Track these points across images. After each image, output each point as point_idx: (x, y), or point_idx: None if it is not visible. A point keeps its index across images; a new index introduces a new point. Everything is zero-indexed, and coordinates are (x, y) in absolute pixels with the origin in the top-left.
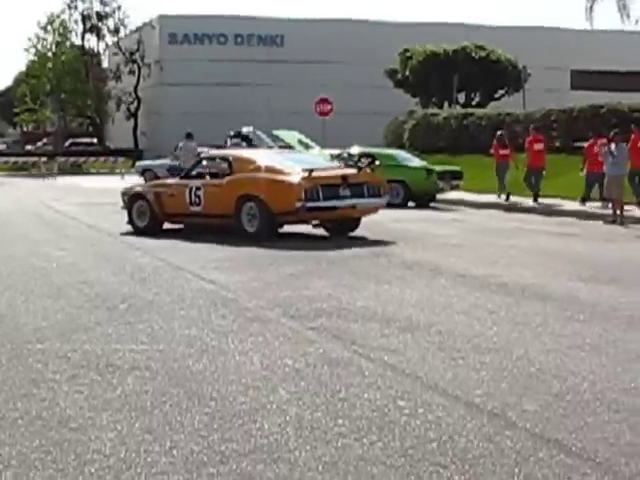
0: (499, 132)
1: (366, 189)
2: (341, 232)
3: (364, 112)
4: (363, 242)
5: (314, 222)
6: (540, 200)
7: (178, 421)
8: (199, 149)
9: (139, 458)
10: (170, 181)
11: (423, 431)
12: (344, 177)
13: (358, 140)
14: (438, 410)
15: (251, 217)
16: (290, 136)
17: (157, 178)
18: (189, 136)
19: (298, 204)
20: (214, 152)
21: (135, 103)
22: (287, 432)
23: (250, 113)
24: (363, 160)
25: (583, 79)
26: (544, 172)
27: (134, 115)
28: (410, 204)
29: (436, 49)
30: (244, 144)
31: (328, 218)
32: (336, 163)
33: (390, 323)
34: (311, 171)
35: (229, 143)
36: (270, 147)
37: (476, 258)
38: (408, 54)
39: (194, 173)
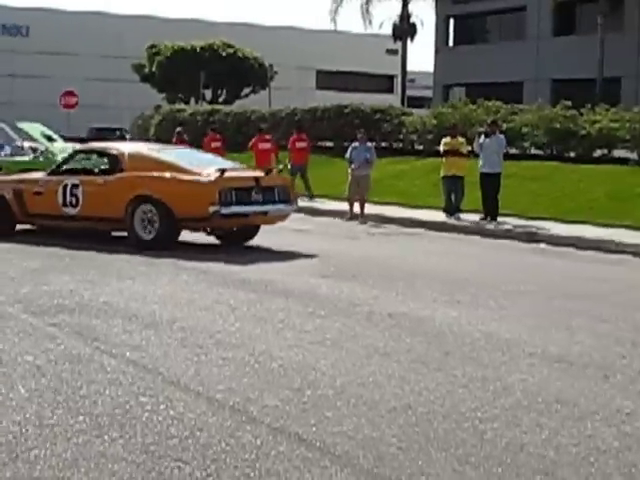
0: (178, 128)
1: (277, 193)
2: (236, 241)
3: (111, 105)
4: (105, 239)
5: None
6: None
7: None
8: None
9: None
10: (36, 176)
11: (165, 427)
12: (256, 179)
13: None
14: (180, 406)
15: (147, 222)
16: (33, 128)
17: None
18: None
19: (212, 209)
20: (94, 145)
21: None
22: (27, 430)
23: None
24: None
25: (328, 79)
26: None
27: None
28: None
29: (184, 45)
30: None
31: (236, 225)
32: (238, 164)
33: (133, 319)
34: (223, 171)
35: None
36: (14, 139)
37: (217, 255)
38: (155, 49)
39: (65, 168)
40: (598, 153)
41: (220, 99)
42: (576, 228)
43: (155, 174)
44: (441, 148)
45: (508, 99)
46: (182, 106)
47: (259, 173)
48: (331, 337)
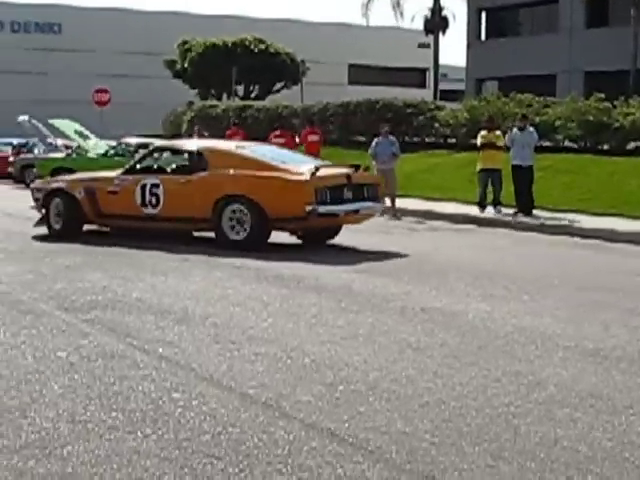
0: (196, 126)
1: (366, 191)
2: (318, 240)
3: (143, 102)
4: (135, 236)
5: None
6: None
7: None
8: None
9: None
10: (109, 174)
11: (197, 423)
12: (348, 177)
13: (137, 131)
14: (212, 402)
15: (236, 222)
16: (66, 126)
17: None
18: None
19: (308, 208)
20: (173, 142)
21: None
22: (60, 426)
23: (26, 101)
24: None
25: (360, 74)
26: None
27: None
28: None
29: (216, 41)
30: None
31: (328, 225)
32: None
33: (165, 315)
34: (317, 169)
35: None
36: (47, 136)
37: (251, 250)
38: (187, 46)
39: (140, 166)
40: (632, 145)
41: (252, 95)
42: (610, 221)
43: (246, 172)
44: (478, 141)
45: (541, 92)
46: (214, 102)
47: (350, 170)
48: (364, 332)
